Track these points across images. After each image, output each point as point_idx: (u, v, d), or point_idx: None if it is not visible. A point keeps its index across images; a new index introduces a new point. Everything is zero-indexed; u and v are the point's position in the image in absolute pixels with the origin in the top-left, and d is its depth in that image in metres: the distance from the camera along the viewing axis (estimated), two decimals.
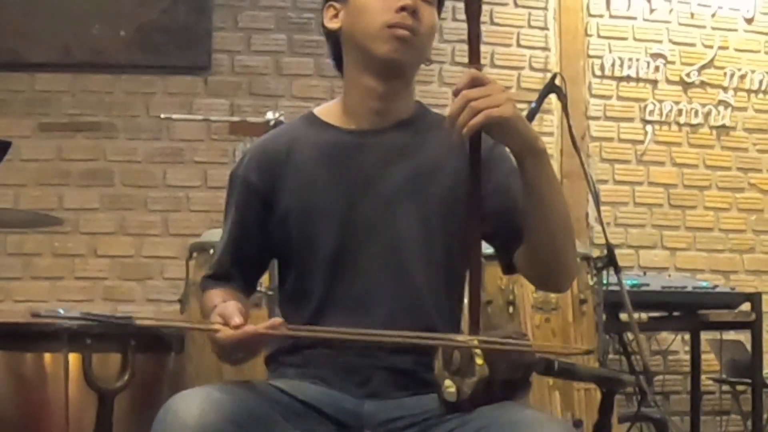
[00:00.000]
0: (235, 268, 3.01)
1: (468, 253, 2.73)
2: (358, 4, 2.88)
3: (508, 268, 2.90)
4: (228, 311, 2.60)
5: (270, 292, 3.89)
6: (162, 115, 5.98)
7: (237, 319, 2.55)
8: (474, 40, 2.65)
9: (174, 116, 5.99)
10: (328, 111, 3.03)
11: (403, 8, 2.80)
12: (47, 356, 4.16)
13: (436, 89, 6.09)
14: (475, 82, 2.52)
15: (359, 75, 2.93)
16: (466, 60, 2.65)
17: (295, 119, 3.18)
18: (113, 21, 6.16)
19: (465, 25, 2.64)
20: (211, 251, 4.29)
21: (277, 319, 2.59)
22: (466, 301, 2.86)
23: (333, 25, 2.95)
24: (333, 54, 3.03)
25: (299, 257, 2.91)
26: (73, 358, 4.10)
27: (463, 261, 2.80)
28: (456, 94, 2.54)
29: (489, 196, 2.74)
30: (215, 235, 4.31)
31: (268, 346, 2.69)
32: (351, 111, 2.97)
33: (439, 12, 2.98)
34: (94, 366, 4.07)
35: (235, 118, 5.92)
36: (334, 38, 2.98)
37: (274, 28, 6.35)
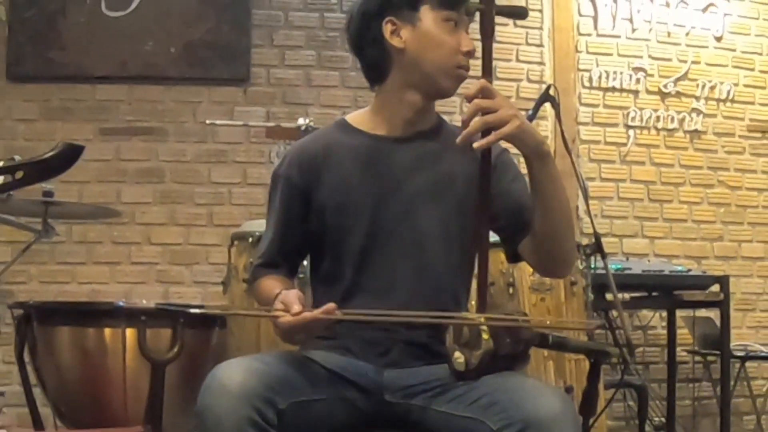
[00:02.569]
0: (282, 257, 3.02)
1: (478, 245, 2.75)
2: (431, 35, 2.86)
3: (514, 257, 2.92)
4: (289, 299, 2.60)
5: (301, 275, 3.88)
6: (207, 121, 5.98)
7: (297, 307, 2.56)
8: (487, 55, 2.67)
9: (217, 122, 5.98)
10: (359, 118, 3.03)
11: (468, 53, 2.84)
12: (107, 331, 4.16)
13: (450, 100, 6.05)
14: (485, 92, 2.56)
15: (405, 89, 2.92)
16: (476, 72, 2.65)
17: (328, 125, 3.17)
18: (164, 39, 6.15)
19: (476, 43, 2.64)
20: (250, 240, 4.31)
21: (332, 305, 2.58)
22: (474, 284, 2.86)
23: (396, 42, 2.88)
24: (374, 62, 2.96)
25: (332, 246, 2.92)
26: (130, 332, 4.10)
27: (474, 252, 2.81)
28: (468, 100, 2.57)
29: (497, 198, 2.77)
30: (254, 225, 4.33)
31: (323, 328, 2.67)
32: (384, 119, 2.96)
33: None
34: (148, 340, 4.07)
35: (271, 124, 5.89)
36: (383, 50, 2.91)
37: (304, 46, 6.34)
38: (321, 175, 2.93)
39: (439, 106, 3.02)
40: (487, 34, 2.68)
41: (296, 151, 3.04)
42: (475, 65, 2.73)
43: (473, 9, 2.69)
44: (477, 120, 2.55)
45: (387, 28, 2.88)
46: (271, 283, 2.91)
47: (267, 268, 3.00)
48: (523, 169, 2.76)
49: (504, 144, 2.75)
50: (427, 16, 2.85)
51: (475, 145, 2.57)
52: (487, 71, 2.65)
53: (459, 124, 2.61)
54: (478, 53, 2.69)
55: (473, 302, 2.80)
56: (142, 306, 4.32)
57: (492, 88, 2.58)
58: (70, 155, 2.80)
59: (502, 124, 2.54)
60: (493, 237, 2.84)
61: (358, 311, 2.68)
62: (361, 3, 2.96)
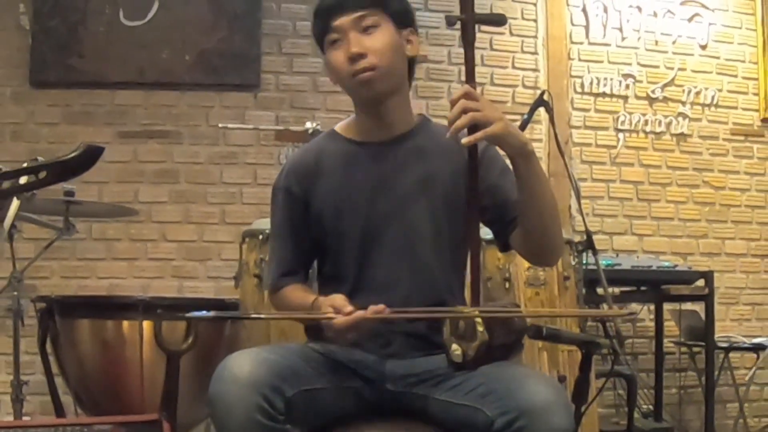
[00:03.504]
0: (297, 264, 3.02)
1: (469, 239, 2.75)
2: (330, 65, 2.90)
3: (505, 248, 2.94)
4: (338, 303, 2.61)
5: None
6: (219, 125, 5.98)
7: (349, 308, 2.57)
8: (470, 62, 2.66)
9: (229, 125, 5.98)
10: (346, 127, 3.05)
11: (351, 58, 2.80)
12: (125, 323, 4.17)
13: (445, 103, 6.06)
14: (469, 95, 2.55)
15: (360, 106, 2.96)
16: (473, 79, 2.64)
17: (319, 136, 3.18)
18: (179, 47, 6.15)
19: (458, 51, 2.64)
20: (260, 237, 4.30)
21: (381, 306, 2.59)
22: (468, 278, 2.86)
23: (331, 80, 2.97)
24: None
25: (332, 249, 2.94)
26: (147, 325, 4.11)
27: (466, 246, 2.81)
28: (453, 103, 2.57)
29: (485, 193, 2.78)
30: (264, 223, 4.32)
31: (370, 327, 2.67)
32: (363, 127, 2.98)
33: (402, 22, 2.92)
34: (164, 331, 4.07)
35: (280, 127, 5.92)
36: None
37: (311, 53, 6.33)
38: (316, 183, 2.94)
39: (440, 111, 3.02)
40: (469, 43, 2.67)
41: (291, 163, 3.05)
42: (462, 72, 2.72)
43: (454, 20, 2.68)
44: (465, 116, 2.54)
45: (327, 70, 2.98)
46: (299, 291, 2.94)
47: (288, 277, 3.00)
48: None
49: None
50: (327, 52, 2.90)
51: (464, 140, 2.58)
52: (470, 77, 2.65)
53: (446, 123, 2.61)
54: (461, 60, 2.68)
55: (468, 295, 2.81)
56: (161, 300, 4.33)
57: (475, 92, 2.58)
58: (91, 156, 2.81)
59: (488, 123, 2.54)
60: (489, 234, 2.85)
61: (402, 309, 2.68)
62: None
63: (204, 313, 2.69)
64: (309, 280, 3.05)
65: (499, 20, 2.81)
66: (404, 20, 2.92)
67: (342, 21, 2.81)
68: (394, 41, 2.86)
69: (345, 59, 2.80)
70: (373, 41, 2.81)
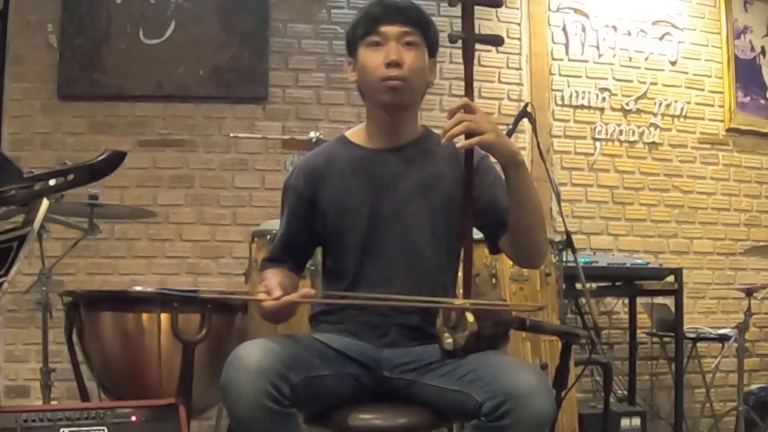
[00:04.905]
0: (287, 254, 3.03)
1: (463, 239, 2.76)
2: (362, 63, 2.91)
3: (494, 250, 2.95)
4: (270, 285, 2.64)
5: (312, 267, 3.89)
6: (231, 134, 5.99)
7: (277, 292, 2.59)
8: (469, 77, 2.68)
9: (240, 135, 5.98)
10: (356, 134, 3.06)
11: (389, 64, 2.82)
12: (144, 316, 4.15)
13: (438, 114, 6.06)
14: (466, 108, 2.58)
15: (374, 111, 2.97)
16: (461, 93, 2.67)
17: (330, 140, 3.22)
18: (194, 63, 6.15)
19: (459, 66, 2.65)
20: (268, 237, 4.31)
21: (311, 290, 2.66)
22: (460, 274, 2.86)
23: (351, 77, 2.99)
24: (359, 94, 3.04)
25: (335, 244, 2.96)
26: (164, 317, 4.09)
27: (459, 245, 2.82)
28: (451, 114, 2.60)
29: (478, 199, 2.80)
30: (271, 224, 4.32)
31: (302, 308, 2.69)
32: (372, 134, 2.99)
33: (432, 51, 2.97)
34: (180, 323, 4.06)
35: (286, 137, 5.92)
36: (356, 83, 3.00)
37: (315, 69, 6.33)
38: (324, 184, 2.96)
39: (432, 121, 3.04)
40: (468, 59, 2.69)
41: (302, 164, 3.06)
42: (461, 86, 2.72)
43: (456, 38, 2.69)
44: (461, 125, 2.57)
45: (348, 69, 3.00)
46: (269, 274, 2.92)
47: (272, 263, 3.02)
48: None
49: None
50: (362, 49, 2.91)
51: (458, 144, 2.61)
52: (469, 91, 2.67)
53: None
54: (452, 75, 2.71)
55: (461, 291, 2.80)
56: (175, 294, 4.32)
57: (473, 104, 2.62)
58: (114, 160, 2.82)
59: (482, 132, 2.56)
60: (478, 234, 2.86)
61: (338, 294, 2.75)
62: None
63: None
64: (314, 276, 3.06)
65: (496, 40, 2.82)
66: (433, 49, 2.97)
67: (389, 29, 2.86)
68: (424, 64, 2.92)
69: (381, 62, 2.84)
70: (410, 57, 2.85)
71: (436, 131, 3.10)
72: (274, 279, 2.69)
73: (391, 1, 2.91)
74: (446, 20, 6.02)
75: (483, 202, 2.81)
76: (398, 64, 2.83)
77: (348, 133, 3.09)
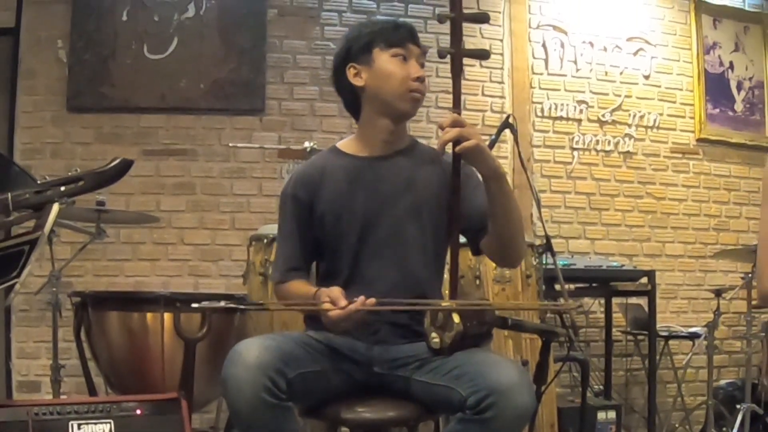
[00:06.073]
0: (303, 261, 3.03)
1: (449, 239, 2.80)
2: (384, 71, 2.92)
3: (476, 251, 2.96)
4: (334, 295, 2.62)
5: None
6: (230, 144, 5.99)
7: (343, 302, 2.58)
8: (457, 91, 2.70)
9: (238, 145, 5.98)
10: (347, 144, 3.08)
11: (418, 78, 2.89)
12: (149, 315, 4.16)
13: (425, 126, 6.05)
14: (456, 122, 2.62)
15: (377, 117, 2.97)
16: (447, 105, 2.70)
17: (323, 151, 3.22)
18: (196, 77, 6.15)
19: (445, 80, 2.67)
20: (265, 241, 4.31)
21: (371, 299, 2.61)
22: (446, 276, 2.87)
23: (357, 82, 2.96)
24: (349, 100, 3.05)
25: (331, 248, 2.96)
26: (167, 316, 4.10)
27: (446, 244, 2.85)
28: (441, 127, 2.65)
29: (461, 203, 2.78)
30: (268, 229, 4.33)
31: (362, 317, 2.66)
32: (366, 143, 3.01)
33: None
34: (182, 322, 4.07)
35: (282, 146, 5.91)
36: (352, 90, 2.99)
37: (309, 82, 6.33)
38: (319, 191, 2.97)
39: (420, 132, 3.05)
40: (457, 74, 2.71)
41: (298, 173, 3.06)
42: (449, 99, 2.73)
43: (444, 53, 2.71)
44: (452, 131, 2.63)
45: (350, 73, 2.98)
46: (302, 285, 2.95)
47: (293, 272, 3.01)
48: None
49: None
50: (380, 57, 2.93)
51: (456, 149, 2.65)
52: (457, 104, 2.69)
53: (432, 145, 2.65)
54: (438, 88, 2.74)
55: (446, 291, 2.82)
56: (180, 294, 4.32)
57: (462, 119, 2.67)
58: (122, 168, 2.82)
59: (469, 138, 2.62)
60: (462, 238, 2.87)
61: (390, 300, 2.72)
62: (333, 60, 3.06)
63: (216, 303, 2.70)
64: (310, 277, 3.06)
65: (482, 54, 2.83)
66: None
67: (414, 48, 2.94)
68: None
69: (408, 75, 2.90)
70: (424, 77, 2.94)
71: (423, 142, 3.14)
72: (336, 289, 2.67)
73: (408, 23, 3.02)
74: (433, 37, 6.05)
75: (466, 207, 2.82)
76: (423, 81, 2.92)
77: (339, 144, 3.10)
